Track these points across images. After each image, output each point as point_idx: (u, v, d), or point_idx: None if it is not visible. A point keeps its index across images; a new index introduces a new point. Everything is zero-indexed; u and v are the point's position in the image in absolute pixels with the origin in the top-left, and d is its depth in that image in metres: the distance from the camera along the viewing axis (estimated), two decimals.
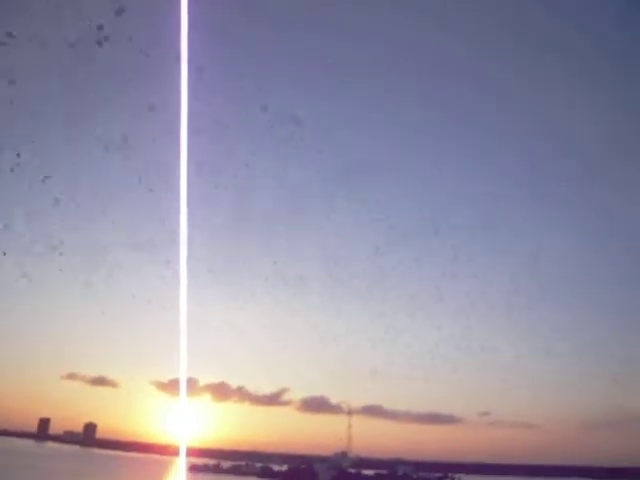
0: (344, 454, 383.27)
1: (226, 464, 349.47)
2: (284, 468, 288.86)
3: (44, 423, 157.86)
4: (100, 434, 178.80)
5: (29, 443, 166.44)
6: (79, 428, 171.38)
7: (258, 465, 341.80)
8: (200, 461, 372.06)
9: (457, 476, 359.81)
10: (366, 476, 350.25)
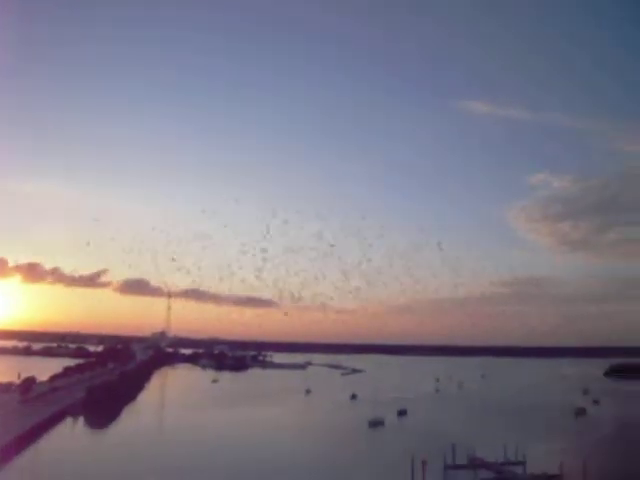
0: (162, 334, 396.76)
1: (37, 346, 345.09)
2: (100, 349, 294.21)
3: None
4: None
5: None
6: None
7: (72, 346, 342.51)
8: (9, 344, 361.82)
9: (269, 354, 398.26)
10: (183, 355, 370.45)
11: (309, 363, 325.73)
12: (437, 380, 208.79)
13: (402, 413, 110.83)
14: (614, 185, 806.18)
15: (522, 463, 61.98)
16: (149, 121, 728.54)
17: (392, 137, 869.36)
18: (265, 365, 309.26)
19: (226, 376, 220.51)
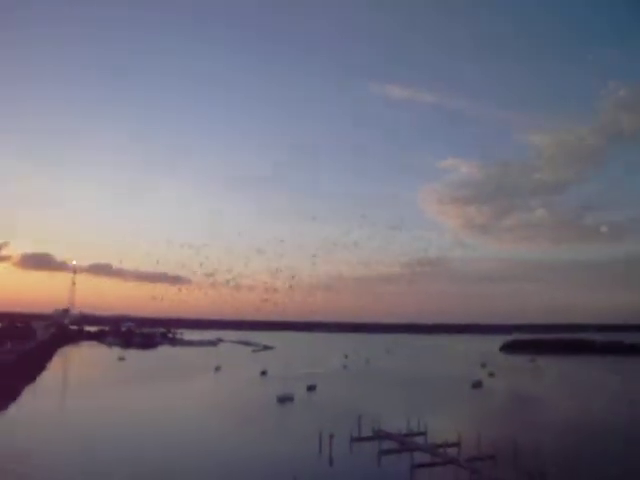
0: (66, 311, 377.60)
1: None
2: None
3: None
4: None
5: None
6: None
7: None
8: None
9: (179, 331, 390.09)
10: (88, 332, 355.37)
11: (220, 340, 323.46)
12: (345, 356, 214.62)
13: (311, 388, 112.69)
14: (514, 172, 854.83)
15: (423, 434, 65.09)
16: None
17: (309, 117, 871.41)
18: (175, 342, 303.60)
19: (133, 354, 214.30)
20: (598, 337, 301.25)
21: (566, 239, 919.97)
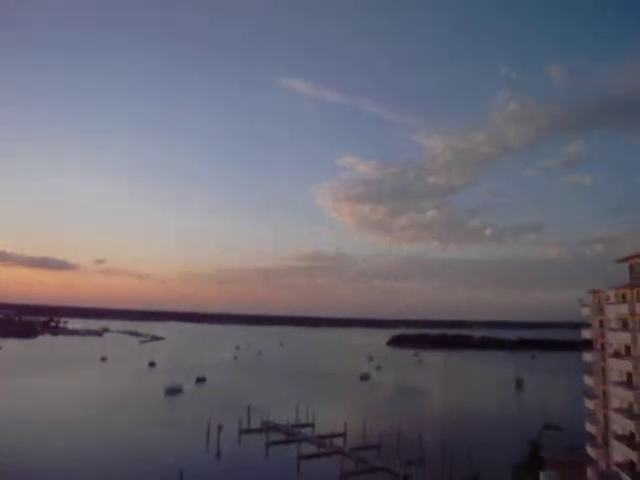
0: None
1: None
2: None
3: None
4: None
5: None
6: None
7: None
8: None
9: (63, 320, 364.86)
10: None
11: (106, 330, 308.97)
12: (237, 348, 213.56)
13: (200, 380, 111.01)
14: (410, 174, 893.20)
15: (311, 425, 66.57)
16: None
17: (207, 106, 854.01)
18: (58, 331, 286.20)
19: (11, 343, 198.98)
20: (479, 333, 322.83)
21: (454, 239, 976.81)
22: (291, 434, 61.74)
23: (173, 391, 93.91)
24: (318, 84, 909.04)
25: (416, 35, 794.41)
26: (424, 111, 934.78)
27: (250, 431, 62.62)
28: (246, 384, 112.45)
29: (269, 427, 63.54)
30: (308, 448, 54.65)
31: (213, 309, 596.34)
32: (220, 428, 56.76)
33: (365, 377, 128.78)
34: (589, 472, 39.29)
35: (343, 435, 60.75)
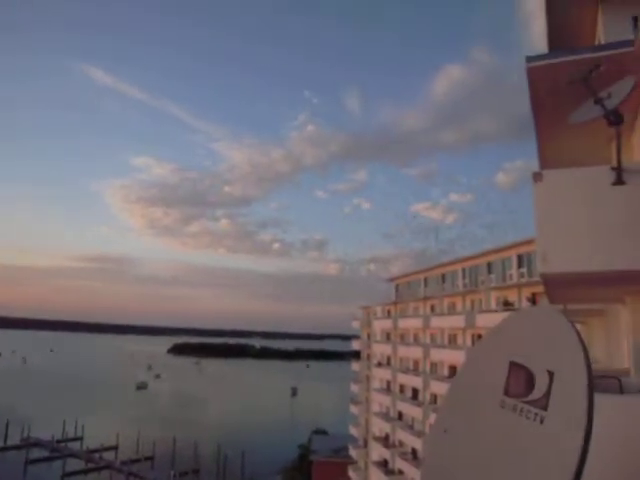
0: None
1: None
2: None
3: None
4: None
5: None
6: None
7: None
8: None
9: None
10: None
11: None
12: None
13: None
14: (207, 181, 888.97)
15: (80, 439, 61.93)
16: None
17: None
18: None
19: None
20: (259, 343, 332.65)
21: (243, 250, 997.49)
22: (56, 450, 56.84)
23: None
24: (121, 78, 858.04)
25: (231, 51, 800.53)
26: (228, 122, 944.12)
27: (6, 449, 56.13)
28: (6, 396, 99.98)
29: (30, 443, 57.60)
30: (75, 464, 50.92)
31: None
32: None
33: (142, 386, 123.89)
34: (349, 471, 43.61)
35: (115, 448, 57.89)
